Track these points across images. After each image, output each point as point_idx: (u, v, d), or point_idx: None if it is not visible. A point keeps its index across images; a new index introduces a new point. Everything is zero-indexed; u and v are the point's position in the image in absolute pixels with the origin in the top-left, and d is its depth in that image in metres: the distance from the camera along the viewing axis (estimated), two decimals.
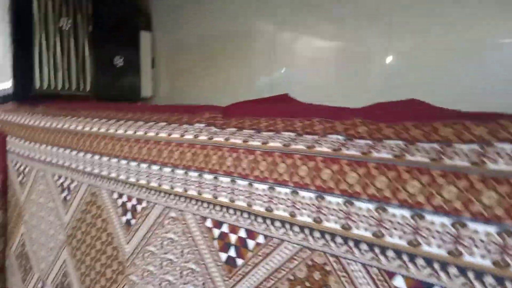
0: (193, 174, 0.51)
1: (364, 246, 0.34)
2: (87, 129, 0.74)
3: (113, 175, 0.66)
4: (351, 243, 0.35)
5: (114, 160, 0.65)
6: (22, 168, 0.96)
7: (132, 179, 0.62)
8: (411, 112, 0.38)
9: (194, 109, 0.59)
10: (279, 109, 0.51)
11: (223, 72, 1.02)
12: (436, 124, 0.34)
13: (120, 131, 0.65)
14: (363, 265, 0.34)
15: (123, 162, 0.63)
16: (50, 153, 0.84)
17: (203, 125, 0.54)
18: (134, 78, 1.19)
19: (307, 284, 0.38)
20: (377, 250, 0.33)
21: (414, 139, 0.34)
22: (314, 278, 0.38)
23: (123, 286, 0.64)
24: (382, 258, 0.33)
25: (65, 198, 0.80)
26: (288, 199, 0.40)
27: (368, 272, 0.34)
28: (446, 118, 0.34)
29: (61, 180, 0.81)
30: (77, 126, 0.77)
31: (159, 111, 0.66)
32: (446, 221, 0.30)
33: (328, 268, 0.37)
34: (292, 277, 0.40)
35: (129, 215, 0.63)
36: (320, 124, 0.42)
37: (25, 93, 1.06)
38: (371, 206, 0.34)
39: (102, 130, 0.70)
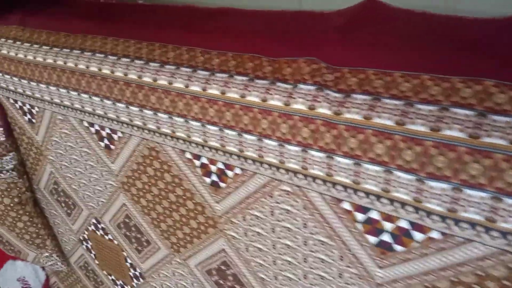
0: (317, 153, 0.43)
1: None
2: (119, 74, 0.59)
3: (181, 134, 0.56)
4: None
5: (196, 123, 0.53)
6: (26, 108, 0.81)
7: (215, 143, 0.52)
8: None
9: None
10: None
11: None
12: None
13: (196, 88, 0.52)
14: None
15: (212, 127, 0.52)
16: (67, 97, 0.69)
17: (313, 87, 0.43)
18: None
19: None
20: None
21: None
22: None
23: (218, 239, 0.62)
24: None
25: (107, 146, 0.70)
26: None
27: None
28: None
29: (95, 128, 0.69)
30: (101, 67, 0.61)
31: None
32: None
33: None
34: None
35: (214, 177, 0.56)
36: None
37: None
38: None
39: (163, 81, 0.56)
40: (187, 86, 0.52)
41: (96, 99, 0.64)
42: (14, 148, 0.92)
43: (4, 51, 0.77)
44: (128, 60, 0.59)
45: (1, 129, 0.87)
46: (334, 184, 0.44)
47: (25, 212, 0.98)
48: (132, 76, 0.58)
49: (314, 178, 0.45)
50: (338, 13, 0.53)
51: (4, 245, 1.09)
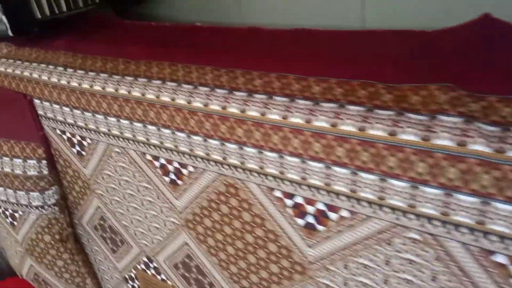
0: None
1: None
2: (198, 104, 0.53)
3: (272, 171, 0.49)
4: None
5: (294, 159, 0.47)
6: (75, 139, 0.75)
7: (318, 182, 0.46)
8: None
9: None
10: None
11: None
12: None
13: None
14: None
15: (315, 164, 0.46)
16: (129, 128, 0.63)
17: (459, 119, 0.36)
18: None
19: None
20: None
21: None
22: None
23: (306, 286, 0.55)
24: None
25: (173, 182, 0.63)
26: None
27: None
28: None
29: (160, 162, 0.63)
30: (174, 97, 0.55)
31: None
32: None
33: None
34: None
35: (310, 219, 0.50)
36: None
37: (26, 28, 0.76)
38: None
39: (234, 110, 0.50)
40: (285, 118, 0.46)
41: (166, 131, 0.58)
42: (57, 181, 0.85)
43: (54, 79, 0.72)
44: (207, 89, 0.54)
45: (45, 162, 0.81)
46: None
47: (66, 249, 0.91)
48: (214, 107, 0.52)
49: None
50: (447, 31, 0.47)
51: (40, 284, 1.02)
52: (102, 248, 0.91)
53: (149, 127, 0.60)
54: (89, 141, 0.72)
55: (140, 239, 0.79)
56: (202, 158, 0.57)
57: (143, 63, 0.63)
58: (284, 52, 0.54)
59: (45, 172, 0.82)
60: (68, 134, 0.76)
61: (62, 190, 0.88)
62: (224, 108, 0.51)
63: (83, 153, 0.76)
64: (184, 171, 0.61)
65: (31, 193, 0.83)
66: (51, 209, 0.86)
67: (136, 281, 0.89)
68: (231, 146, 0.52)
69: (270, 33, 0.60)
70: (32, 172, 0.82)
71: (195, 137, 0.55)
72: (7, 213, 0.91)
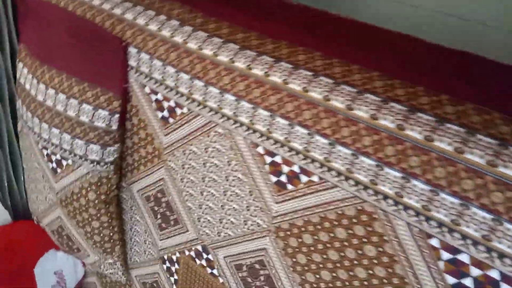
0: None
1: None
2: (362, 114, 0.46)
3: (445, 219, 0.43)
4: None
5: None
6: (167, 104, 0.66)
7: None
8: None
9: None
10: None
11: None
12: None
13: None
14: None
15: None
16: (250, 114, 0.55)
17: None
18: None
19: None
20: None
21: None
22: None
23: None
24: None
25: (282, 185, 0.56)
26: None
27: None
28: None
29: (275, 160, 0.55)
30: (329, 97, 0.48)
31: None
32: None
33: None
34: None
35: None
36: None
37: None
38: None
39: None
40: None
41: (301, 130, 0.51)
42: (121, 140, 0.77)
43: (165, 33, 0.63)
44: (353, 90, 0.46)
45: (117, 116, 0.73)
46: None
47: (107, 212, 0.83)
48: (362, 113, 0.45)
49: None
50: None
51: (62, 239, 0.94)
52: (146, 220, 0.84)
53: (279, 119, 0.52)
54: (185, 110, 0.64)
55: (203, 226, 0.71)
56: (338, 173, 0.49)
57: (284, 45, 0.55)
58: None
59: (114, 127, 0.74)
60: (160, 96, 0.67)
61: (122, 149, 0.80)
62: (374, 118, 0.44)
63: (171, 120, 0.67)
64: (303, 179, 0.53)
65: (91, 146, 0.75)
66: (106, 167, 0.78)
67: (175, 264, 0.82)
68: (392, 173, 0.45)
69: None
70: (99, 124, 0.73)
71: (340, 147, 0.48)
72: (52, 157, 0.82)
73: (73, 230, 0.89)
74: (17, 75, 0.86)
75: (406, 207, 0.44)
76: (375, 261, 0.50)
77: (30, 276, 1.06)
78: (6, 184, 1.02)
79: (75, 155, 0.77)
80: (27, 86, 0.82)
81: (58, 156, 0.80)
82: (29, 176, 0.95)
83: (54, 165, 0.82)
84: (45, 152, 0.82)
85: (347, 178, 0.48)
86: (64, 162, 0.80)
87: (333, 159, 0.49)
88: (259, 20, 0.60)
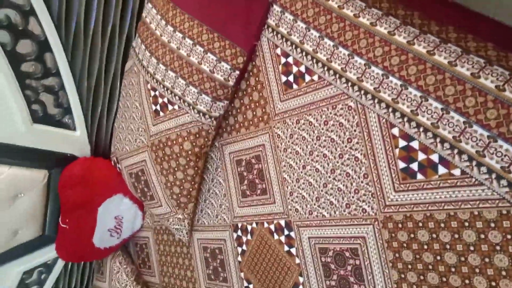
0: None
1: None
2: None
3: None
4: None
5: None
6: (296, 68, 0.65)
7: None
8: None
9: None
10: None
11: None
12: None
13: None
14: None
15: None
16: (392, 89, 0.52)
17: None
18: None
19: None
20: None
21: None
22: None
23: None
24: None
25: (409, 173, 0.53)
26: None
27: None
28: None
29: (410, 144, 0.52)
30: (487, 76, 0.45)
31: None
32: None
33: None
34: None
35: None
36: None
37: None
38: None
39: None
40: None
41: (459, 117, 0.47)
42: (231, 98, 0.77)
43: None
44: None
45: (237, 72, 0.73)
46: None
47: (195, 165, 0.83)
48: None
49: None
50: None
51: (138, 183, 0.95)
52: (229, 183, 0.83)
53: (433, 102, 0.49)
54: (315, 78, 0.63)
55: (293, 201, 0.69)
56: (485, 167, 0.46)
57: (452, 29, 0.52)
58: None
59: (231, 82, 0.74)
60: (291, 60, 0.66)
61: (228, 108, 0.80)
62: None
63: (294, 86, 0.66)
64: (442, 170, 0.50)
65: (203, 96, 0.75)
66: (210, 121, 0.78)
67: (248, 235, 0.80)
68: None
69: None
70: (218, 76, 0.73)
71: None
72: (159, 100, 0.83)
73: (154, 176, 0.90)
74: (143, 15, 0.89)
75: None
76: (504, 273, 0.45)
77: (93, 213, 1.09)
78: (97, 120, 1.05)
79: (184, 101, 0.78)
80: (152, 26, 0.84)
81: (165, 99, 0.82)
82: (123, 115, 0.98)
83: (158, 107, 0.84)
84: (153, 93, 0.84)
85: (478, 164, 0.44)
86: (170, 107, 0.81)
87: (487, 154, 0.45)
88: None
